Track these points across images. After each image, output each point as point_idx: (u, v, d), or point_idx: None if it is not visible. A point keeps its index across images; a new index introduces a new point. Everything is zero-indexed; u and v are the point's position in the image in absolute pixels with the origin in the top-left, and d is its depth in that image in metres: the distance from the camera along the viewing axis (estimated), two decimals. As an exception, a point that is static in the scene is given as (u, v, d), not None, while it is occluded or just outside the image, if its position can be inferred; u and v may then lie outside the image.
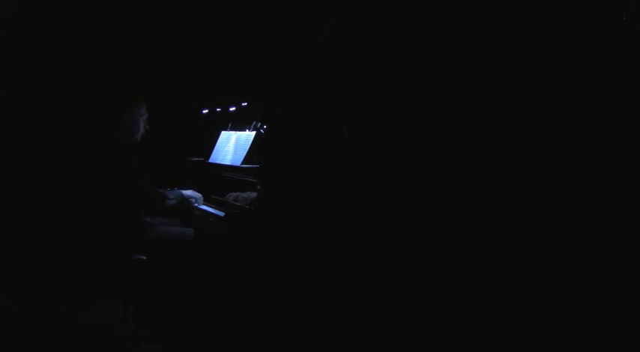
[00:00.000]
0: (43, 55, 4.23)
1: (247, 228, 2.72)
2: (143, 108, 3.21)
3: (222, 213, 2.94)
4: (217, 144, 3.54)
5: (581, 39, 2.52)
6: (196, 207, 3.19)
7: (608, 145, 2.47)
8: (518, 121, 2.64)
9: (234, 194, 3.15)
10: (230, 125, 3.50)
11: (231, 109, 3.70)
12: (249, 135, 3.18)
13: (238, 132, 3.35)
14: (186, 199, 3.18)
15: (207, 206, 3.20)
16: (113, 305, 3.42)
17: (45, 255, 3.96)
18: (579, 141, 2.52)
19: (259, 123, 3.18)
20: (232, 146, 3.33)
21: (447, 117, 2.77)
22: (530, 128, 2.62)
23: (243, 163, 3.08)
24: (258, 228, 2.71)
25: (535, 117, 2.61)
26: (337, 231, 2.69)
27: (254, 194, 2.93)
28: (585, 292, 2.44)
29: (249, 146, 3.12)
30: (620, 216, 2.43)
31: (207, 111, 4.05)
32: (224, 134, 3.52)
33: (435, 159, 2.78)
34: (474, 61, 2.74)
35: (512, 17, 2.65)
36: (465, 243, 2.68)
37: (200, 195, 3.24)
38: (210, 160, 3.51)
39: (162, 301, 3.23)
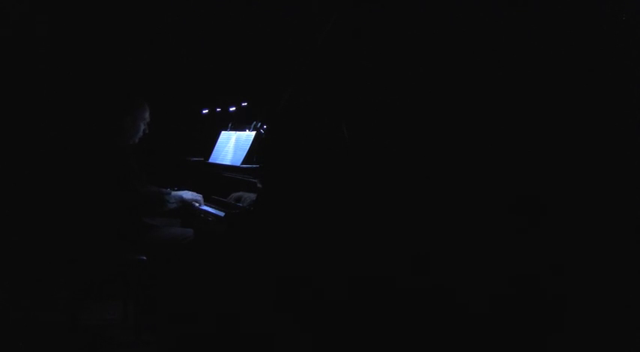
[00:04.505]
0: (43, 56, 4.23)
1: (247, 228, 2.72)
2: (146, 112, 3.20)
3: (222, 213, 2.94)
4: (217, 144, 3.54)
5: (581, 39, 2.52)
6: (197, 208, 3.18)
7: (608, 145, 2.47)
8: (519, 121, 2.64)
9: (235, 194, 3.15)
10: (230, 125, 3.50)
11: (231, 109, 3.70)
12: (249, 135, 3.18)
13: (238, 132, 3.35)
14: (187, 203, 3.17)
15: (207, 206, 3.20)
16: (113, 305, 3.42)
17: (44, 256, 3.96)
18: (580, 142, 2.52)
19: (259, 123, 3.18)
20: (232, 146, 3.33)
21: (446, 116, 2.78)
22: (530, 128, 2.62)
23: (243, 163, 3.08)
24: (258, 228, 2.71)
25: (535, 117, 2.61)
26: (337, 230, 2.69)
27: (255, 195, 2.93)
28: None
29: (249, 146, 3.11)
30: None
31: (207, 111, 4.05)
32: (224, 134, 3.52)
33: (435, 158, 2.78)
34: (474, 60, 2.74)
35: (512, 17, 2.65)
36: (465, 243, 2.68)
37: (201, 197, 3.23)
38: (210, 160, 3.51)
39: (162, 302, 3.23)
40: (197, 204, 3.18)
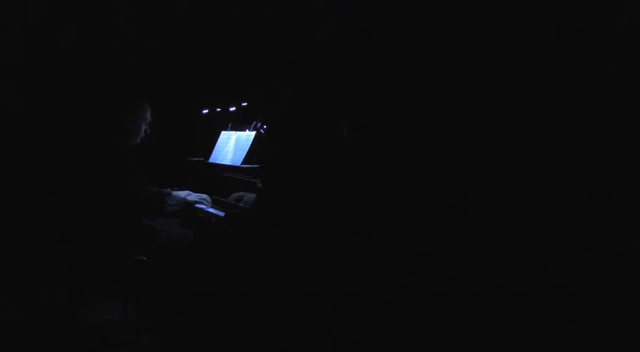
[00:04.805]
0: (43, 57, 4.23)
1: (247, 228, 2.72)
2: (148, 112, 3.20)
3: (222, 214, 2.94)
4: (217, 144, 3.54)
5: (581, 39, 2.53)
6: (198, 208, 3.18)
7: (608, 145, 2.47)
8: (519, 121, 2.64)
9: (236, 194, 3.15)
10: (230, 125, 3.50)
11: (231, 109, 3.70)
12: (249, 135, 3.18)
13: (238, 132, 3.35)
14: (190, 204, 3.17)
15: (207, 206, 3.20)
16: (113, 305, 3.42)
17: (45, 256, 3.96)
18: (580, 142, 2.52)
19: (259, 123, 3.18)
20: (232, 146, 3.33)
21: (446, 116, 2.77)
22: (531, 128, 2.62)
23: (243, 163, 3.08)
24: (258, 228, 2.71)
25: (536, 117, 2.61)
26: (337, 230, 2.69)
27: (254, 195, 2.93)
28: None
29: (249, 146, 3.12)
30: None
31: (207, 111, 4.05)
32: (224, 134, 3.52)
33: (434, 158, 2.78)
34: (474, 60, 2.74)
35: (512, 17, 2.65)
36: (465, 242, 2.68)
37: (207, 197, 3.22)
38: (210, 160, 3.51)
39: (162, 302, 3.23)
40: (201, 205, 3.18)
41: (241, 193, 3.12)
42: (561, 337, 2.46)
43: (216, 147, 3.54)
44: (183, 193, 3.20)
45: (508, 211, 2.62)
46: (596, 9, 2.50)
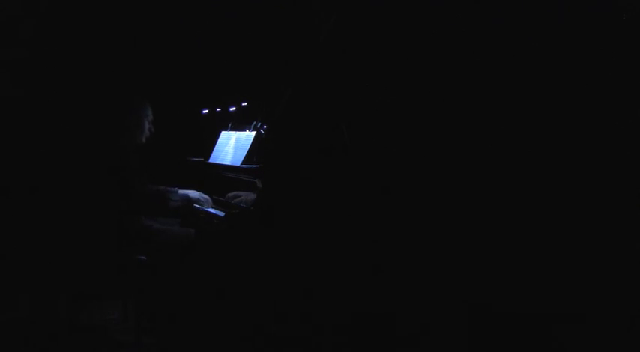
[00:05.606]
0: (45, 57, 4.24)
1: (247, 228, 2.72)
2: (148, 109, 3.22)
3: (222, 214, 2.94)
4: (217, 144, 3.55)
5: (581, 39, 2.53)
6: (198, 208, 3.18)
7: (608, 146, 2.48)
8: (520, 122, 2.64)
9: (230, 194, 3.15)
10: (230, 125, 3.50)
11: (231, 109, 3.70)
12: (249, 135, 3.19)
13: (238, 132, 3.35)
14: (192, 201, 3.18)
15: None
16: (113, 305, 3.42)
17: (45, 256, 3.96)
18: (580, 142, 2.52)
19: (259, 123, 3.18)
20: (232, 146, 3.34)
21: (447, 117, 2.77)
22: (532, 129, 2.62)
23: (243, 163, 3.08)
24: (258, 228, 2.71)
25: (536, 118, 2.61)
26: (337, 231, 2.69)
27: (254, 194, 2.93)
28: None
29: (249, 146, 3.12)
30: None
31: (207, 111, 4.05)
32: (224, 134, 3.53)
33: (434, 159, 2.78)
34: (475, 60, 2.74)
35: (511, 17, 2.65)
36: (466, 243, 2.68)
37: (208, 198, 3.22)
38: (210, 160, 3.51)
39: (162, 302, 3.23)
40: (200, 206, 3.18)
41: (240, 193, 3.12)
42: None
43: (216, 147, 3.54)
44: (187, 191, 3.21)
45: (510, 211, 2.62)
46: (596, 9, 2.50)
